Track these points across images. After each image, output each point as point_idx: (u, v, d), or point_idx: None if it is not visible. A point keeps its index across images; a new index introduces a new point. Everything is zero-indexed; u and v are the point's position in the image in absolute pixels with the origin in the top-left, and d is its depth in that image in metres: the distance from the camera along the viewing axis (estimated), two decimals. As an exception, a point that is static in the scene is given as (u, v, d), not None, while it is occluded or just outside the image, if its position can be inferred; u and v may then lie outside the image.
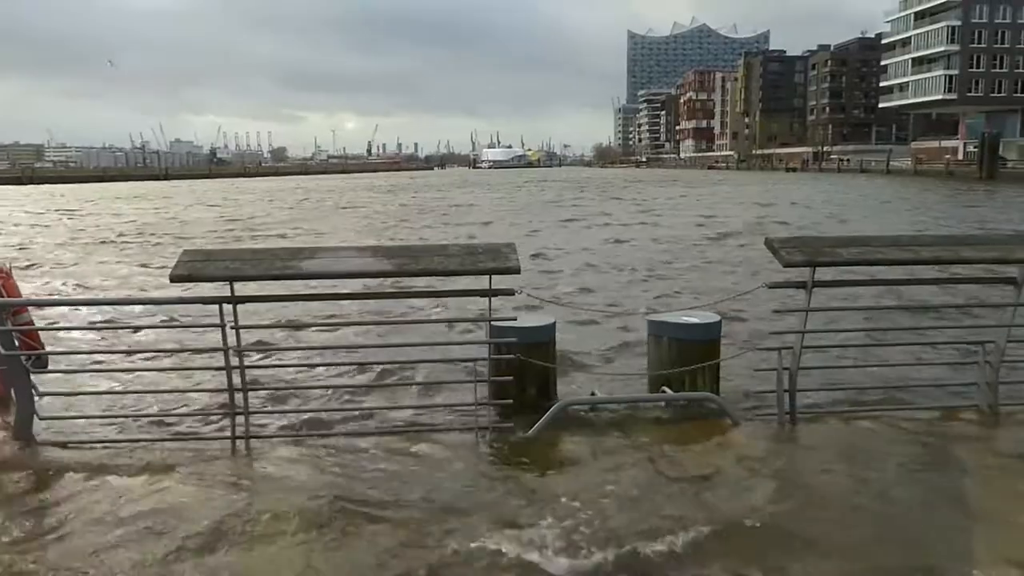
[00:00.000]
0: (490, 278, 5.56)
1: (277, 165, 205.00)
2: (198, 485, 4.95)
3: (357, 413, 6.61)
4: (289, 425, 6.37)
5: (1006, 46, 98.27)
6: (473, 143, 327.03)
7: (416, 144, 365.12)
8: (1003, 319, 6.22)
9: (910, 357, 7.58)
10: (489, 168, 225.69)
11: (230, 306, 5.47)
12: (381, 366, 7.68)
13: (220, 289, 5.48)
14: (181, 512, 4.52)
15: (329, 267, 5.64)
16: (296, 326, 8.84)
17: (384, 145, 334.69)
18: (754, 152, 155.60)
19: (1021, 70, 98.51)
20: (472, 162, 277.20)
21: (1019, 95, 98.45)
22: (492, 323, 6.00)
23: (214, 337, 5.69)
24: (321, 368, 7.90)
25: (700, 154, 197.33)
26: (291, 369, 7.78)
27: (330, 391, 7.34)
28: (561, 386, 6.91)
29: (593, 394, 6.62)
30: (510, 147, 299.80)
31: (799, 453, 5.50)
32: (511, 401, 6.05)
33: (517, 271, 5.47)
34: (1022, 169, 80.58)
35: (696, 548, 4.11)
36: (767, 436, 5.75)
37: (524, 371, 6.26)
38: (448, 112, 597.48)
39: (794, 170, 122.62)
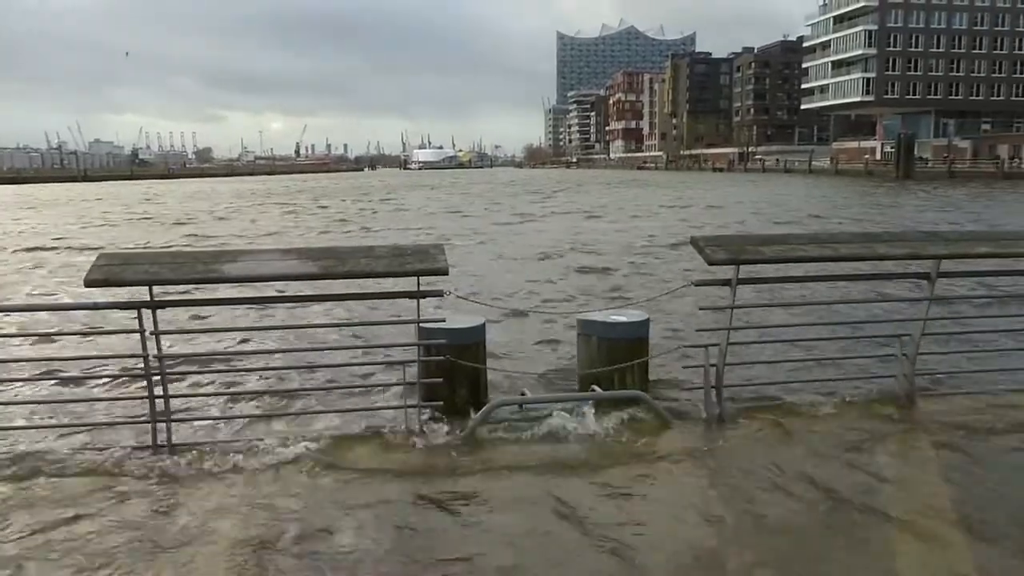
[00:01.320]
0: (418, 280, 5.51)
1: (202, 166, 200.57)
2: (117, 498, 4.79)
3: (284, 419, 6.48)
4: (213, 433, 6.20)
5: (920, 50, 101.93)
6: (404, 144, 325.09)
7: (346, 145, 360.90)
8: (918, 313, 6.42)
9: (832, 350, 7.78)
10: (419, 169, 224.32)
11: (150, 311, 5.31)
12: (308, 370, 7.56)
13: (139, 294, 5.31)
14: (100, 525, 4.35)
15: (253, 270, 5.52)
16: (219, 330, 8.62)
17: (313, 146, 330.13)
18: (682, 153, 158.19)
19: (934, 73, 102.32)
20: (403, 163, 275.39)
21: (932, 97, 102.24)
22: (421, 325, 5.95)
23: (134, 343, 5.51)
24: (246, 374, 7.73)
25: (630, 154, 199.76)
26: (214, 375, 7.58)
27: (255, 397, 7.18)
28: (492, 386, 6.89)
29: (523, 394, 6.61)
30: (441, 148, 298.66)
31: (726, 447, 5.58)
32: (441, 403, 6.02)
33: (445, 272, 5.44)
34: (936, 168, 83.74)
35: (623, 545, 4.13)
36: (694, 431, 5.83)
37: (454, 372, 6.22)
38: (378, 113, 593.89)
39: (721, 170, 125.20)
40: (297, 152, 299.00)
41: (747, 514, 4.53)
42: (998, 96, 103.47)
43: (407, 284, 5.60)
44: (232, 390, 7.34)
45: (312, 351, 8.04)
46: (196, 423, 6.38)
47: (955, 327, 7.72)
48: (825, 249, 6.01)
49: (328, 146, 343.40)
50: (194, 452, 5.59)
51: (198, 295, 7.04)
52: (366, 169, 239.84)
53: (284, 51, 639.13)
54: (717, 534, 4.31)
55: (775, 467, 5.17)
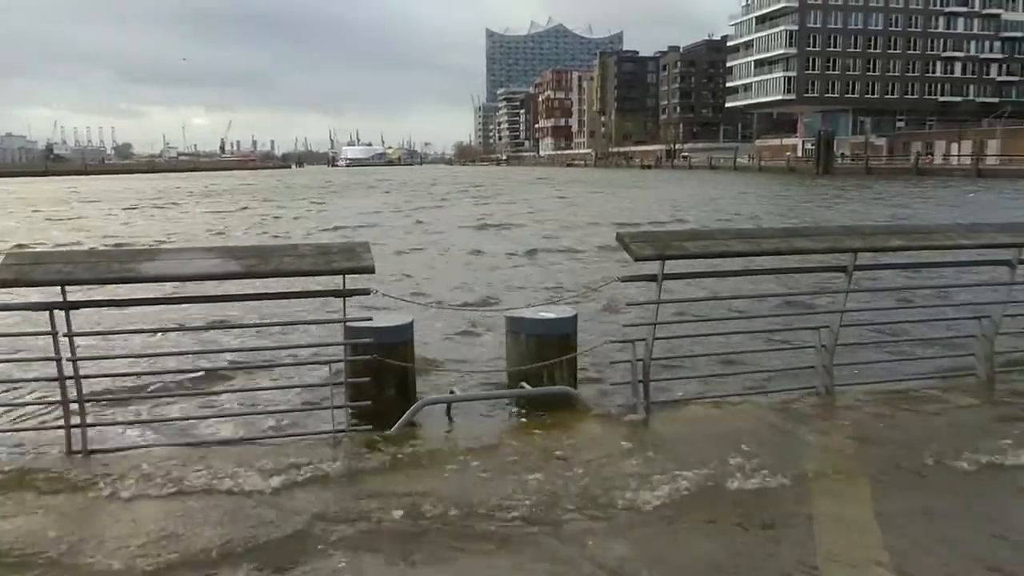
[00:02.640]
0: (344, 278, 5.43)
1: (123, 162, 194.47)
2: (31, 506, 4.60)
3: (207, 421, 6.33)
4: (131, 438, 6.01)
5: (838, 49, 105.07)
6: (332, 141, 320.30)
7: (272, 142, 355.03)
8: (835, 305, 6.60)
9: (756, 343, 7.95)
10: (347, 166, 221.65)
11: (63, 313, 5.12)
12: (231, 372, 7.40)
13: (52, 294, 5.12)
14: (15, 536, 4.17)
15: (172, 270, 5.37)
16: (137, 331, 8.35)
17: (238, 142, 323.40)
18: (611, 150, 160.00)
19: (852, 72, 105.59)
20: (331, 160, 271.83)
21: (850, 96, 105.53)
22: (347, 324, 5.87)
23: (46, 345, 5.30)
24: (166, 376, 7.50)
25: (559, 152, 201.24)
26: (131, 378, 7.34)
27: (176, 400, 6.99)
28: (421, 385, 6.84)
29: (452, 392, 6.59)
30: (370, 145, 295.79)
31: (652, 442, 5.63)
32: (369, 403, 5.94)
33: (372, 271, 5.37)
34: (854, 165, 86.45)
35: (553, 543, 4.14)
36: (621, 426, 5.87)
37: (382, 372, 6.16)
38: (305, 109, 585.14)
39: (649, 167, 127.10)
40: (222, 148, 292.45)
41: (675, 512, 4.58)
42: (912, 95, 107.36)
43: (333, 283, 5.52)
44: (151, 393, 7.13)
45: (236, 352, 7.88)
46: (113, 428, 6.18)
47: (871, 318, 7.96)
48: (748, 244, 6.13)
49: (254, 142, 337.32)
50: (111, 457, 5.40)
51: (120, 294, 6.80)
52: (293, 166, 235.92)
53: (205, 44, 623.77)
54: (642, 529, 4.35)
55: (700, 460, 5.25)
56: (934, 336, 7.77)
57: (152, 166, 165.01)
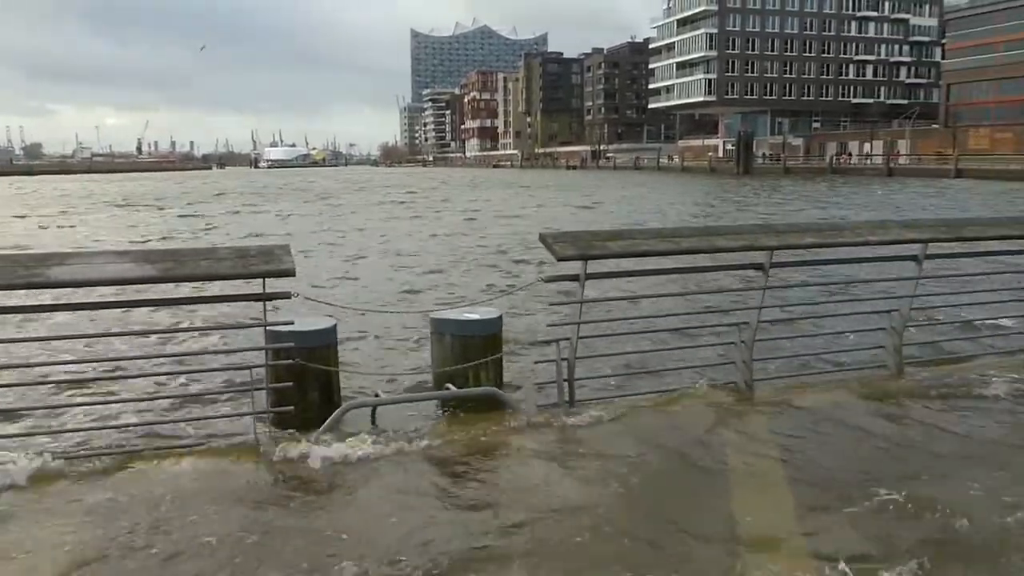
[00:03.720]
0: (264, 281, 5.33)
1: (31, 163, 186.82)
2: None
3: (123, 433, 6.13)
4: (42, 449, 5.77)
5: (756, 52, 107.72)
6: (254, 142, 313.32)
7: (192, 142, 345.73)
8: (753, 302, 6.75)
9: (678, 341, 8.09)
10: (269, 168, 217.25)
11: None
12: (147, 380, 7.18)
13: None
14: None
15: (82, 275, 5.18)
16: (44, 338, 7.99)
17: (156, 143, 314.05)
18: (537, 151, 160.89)
19: (769, 74, 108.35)
20: (253, 161, 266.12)
21: (768, 97, 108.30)
22: (268, 328, 5.77)
23: None
24: (77, 387, 7.24)
25: (485, 153, 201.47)
26: (42, 388, 7.06)
27: (92, 410, 6.75)
28: (345, 389, 6.76)
29: (377, 395, 6.52)
30: (293, 146, 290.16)
31: (577, 438, 5.69)
32: (292, 408, 5.84)
33: (292, 273, 5.28)
34: (773, 165, 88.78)
35: (478, 550, 4.14)
36: (547, 426, 5.90)
37: (305, 376, 6.06)
38: (226, 109, 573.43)
39: (574, 168, 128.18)
40: (139, 149, 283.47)
41: (599, 505, 4.63)
42: (826, 97, 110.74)
43: (253, 287, 5.41)
44: (61, 403, 6.88)
45: (151, 359, 7.64)
46: (20, 439, 5.93)
47: (788, 314, 8.17)
48: (668, 243, 6.22)
49: (173, 143, 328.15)
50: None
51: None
52: (214, 168, 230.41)
53: (116, 41, 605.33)
54: (568, 523, 4.38)
55: (624, 456, 5.32)
56: (847, 330, 8.02)
57: (64, 167, 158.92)
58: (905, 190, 50.84)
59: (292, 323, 6.06)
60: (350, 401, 6.28)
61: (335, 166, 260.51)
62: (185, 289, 8.00)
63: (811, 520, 4.37)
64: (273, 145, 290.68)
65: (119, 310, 9.45)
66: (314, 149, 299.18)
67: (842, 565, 3.81)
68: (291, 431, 5.70)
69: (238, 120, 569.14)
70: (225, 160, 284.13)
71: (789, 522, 4.36)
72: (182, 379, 7.45)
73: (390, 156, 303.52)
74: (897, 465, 5.17)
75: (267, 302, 5.45)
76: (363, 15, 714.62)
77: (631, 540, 4.20)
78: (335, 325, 6.48)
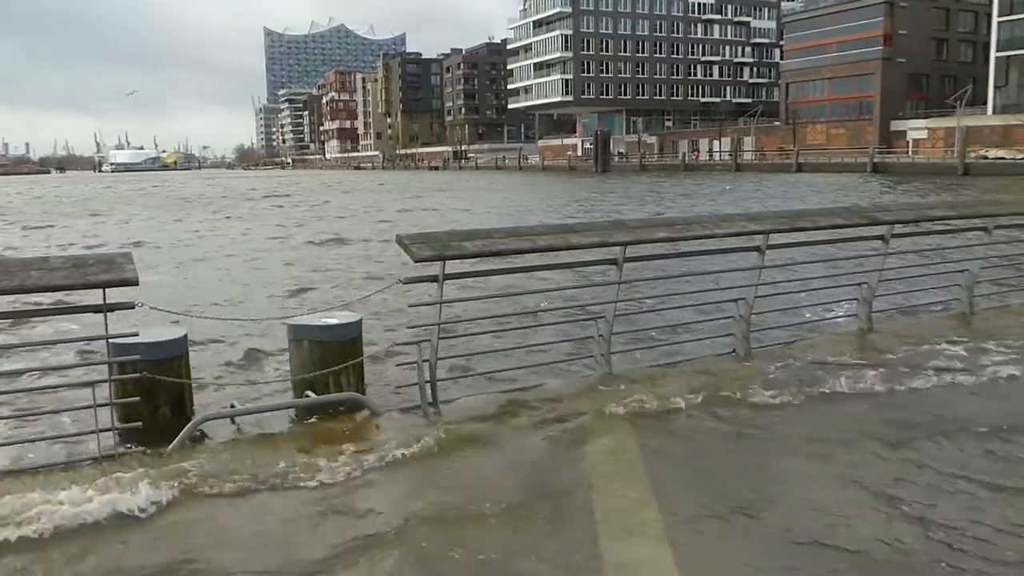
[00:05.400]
0: (104, 292, 5.05)
1: None
2: None
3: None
4: None
5: (610, 54, 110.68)
6: (98, 144, 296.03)
7: (28, 144, 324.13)
8: (609, 296, 6.93)
9: (538, 337, 8.20)
10: (113, 172, 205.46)
11: None
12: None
13: None
14: None
15: None
16: None
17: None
18: (398, 152, 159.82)
19: (623, 75, 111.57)
20: (97, 165, 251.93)
21: (623, 97, 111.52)
22: (112, 341, 5.47)
23: None
24: None
25: (346, 154, 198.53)
26: None
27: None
28: (200, 401, 6.50)
29: (232, 406, 6.30)
30: (142, 148, 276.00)
31: (441, 439, 5.68)
32: (140, 424, 5.57)
33: (135, 283, 5.03)
34: (630, 163, 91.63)
35: (339, 558, 4.07)
36: (410, 427, 5.86)
37: (154, 389, 5.80)
38: (65, 109, 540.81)
39: (436, 168, 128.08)
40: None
41: (468, 505, 4.64)
42: (677, 96, 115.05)
43: (94, 298, 5.12)
44: None
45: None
46: None
47: (644, 306, 8.44)
48: (524, 241, 6.30)
49: (4, 145, 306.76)
50: None
51: None
52: (53, 171, 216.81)
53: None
54: (438, 526, 4.37)
55: (487, 457, 5.36)
56: (699, 319, 8.35)
57: None
58: (751, 184, 53.50)
59: (137, 335, 5.76)
60: (205, 412, 6.04)
61: (188, 169, 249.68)
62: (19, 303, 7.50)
63: (665, 502, 4.53)
64: (119, 147, 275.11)
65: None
66: (164, 152, 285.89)
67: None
68: (141, 448, 5.42)
69: (79, 121, 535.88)
70: (65, 163, 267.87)
71: (635, 497, 4.49)
72: (21, 398, 6.96)
73: (247, 158, 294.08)
74: (742, 445, 5.44)
75: (108, 313, 5.17)
76: (213, 11, 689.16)
77: (499, 542, 4.23)
78: (186, 335, 6.23)
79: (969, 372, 6.98)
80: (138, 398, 5.57)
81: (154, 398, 5.85)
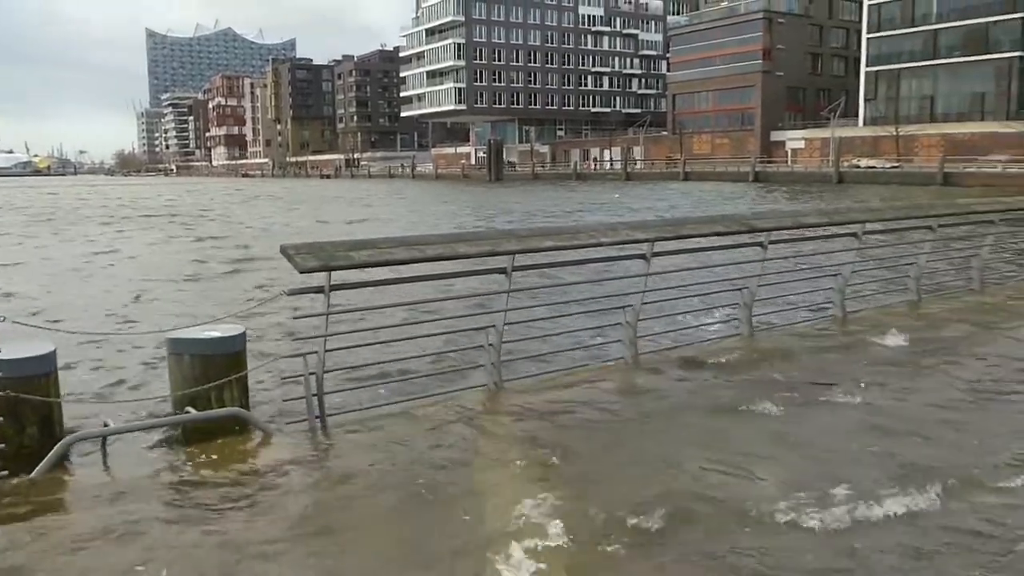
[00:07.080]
0: None
1: None
2: None
3: None
4: None
5: (503, 63, 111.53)
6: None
7: None
8: (499, 305, 6.95)
9: (429, 348, 8.15)
10: None
11: None
12: None
13: None
14: None
15: None
16: None
17: None
18: (289, 160, 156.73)
19: (516, 84, 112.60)
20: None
21: (516, 106, 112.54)
22: (-33, 359, 5.14)
23: None
24: None
25: (234, 161, 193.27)
26: None
27: None
28: (71, 421, 6.17)
29: (106, 424, 6.00)
30: (11, 152, 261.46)
31: (329, 453, 5.57)
32: (3, 446, 5.24)
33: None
34: (523, 171, 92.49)
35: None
36: (297, 441, 5.74)
37: (19, 409, 5.46)
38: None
39: (328, 177, 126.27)
40: None
41: (358, 518, 4.56)
42: (569, 106, 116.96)
43: None
44: None
45: None
46: None
47: (533, 315, 8.49)
48: (412, 251, 6.24)
49: None
50: None
51: None
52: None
53: None
54: (325, 538, 4.27)
55: (376, 468, 5.28)
56: (589, 327, 8.47)
57: None
58: (639, 192, 54.82)
59: (-1, 351, 5.43)
60: (75, 433, 5.74)
61: (62, 175, 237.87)
62: None
63: (548, 498, 4.56)
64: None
65: None
66: (36, 156, 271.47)
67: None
68: (5, 472, 5.11)
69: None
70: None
71: (521, 503, 4.52)
72: None
73: (128, 164, 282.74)
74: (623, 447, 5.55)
75: None
76: (89, 8, 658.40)
77: (383, 554, 4.17)
78: (54, 351, 5.89)
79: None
80: (1, 419, 5.25)
81: (19, 418, 5.51)
